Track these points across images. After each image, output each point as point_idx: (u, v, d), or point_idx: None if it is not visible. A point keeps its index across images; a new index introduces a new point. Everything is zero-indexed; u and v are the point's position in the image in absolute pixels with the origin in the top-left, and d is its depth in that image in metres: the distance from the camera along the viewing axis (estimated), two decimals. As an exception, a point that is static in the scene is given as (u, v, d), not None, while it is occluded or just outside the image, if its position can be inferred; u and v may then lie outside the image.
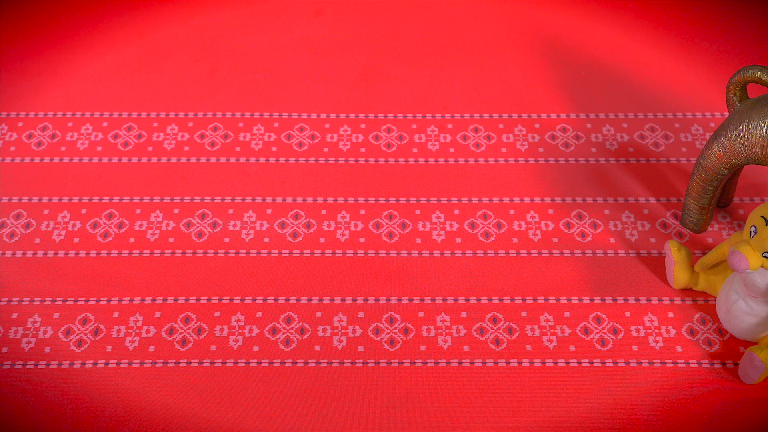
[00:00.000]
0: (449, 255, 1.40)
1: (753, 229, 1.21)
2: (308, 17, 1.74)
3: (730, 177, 1.41)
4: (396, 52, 1.68)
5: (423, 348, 1.30)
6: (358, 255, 1.40)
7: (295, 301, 1.35)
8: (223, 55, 1.67)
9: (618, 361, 1.30)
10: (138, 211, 1.45)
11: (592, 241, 1.42)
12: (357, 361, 1.29)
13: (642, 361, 1.30)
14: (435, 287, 1.37)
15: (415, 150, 1.53)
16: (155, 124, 1.57)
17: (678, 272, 1.33)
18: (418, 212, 1.45)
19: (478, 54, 1.68)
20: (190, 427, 1.23)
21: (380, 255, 1.40)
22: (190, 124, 1.57)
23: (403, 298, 1.36)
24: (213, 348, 1.30)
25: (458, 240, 1.42)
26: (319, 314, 1.34)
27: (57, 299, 1.35)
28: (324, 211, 1.45)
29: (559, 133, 1.56)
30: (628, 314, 1.34)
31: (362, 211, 1.45)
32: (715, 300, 1.35)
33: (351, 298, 1.36)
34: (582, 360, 1.30)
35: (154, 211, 1.45)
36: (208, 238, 1.42)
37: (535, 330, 1.33)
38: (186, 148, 1.53)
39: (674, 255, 1.32)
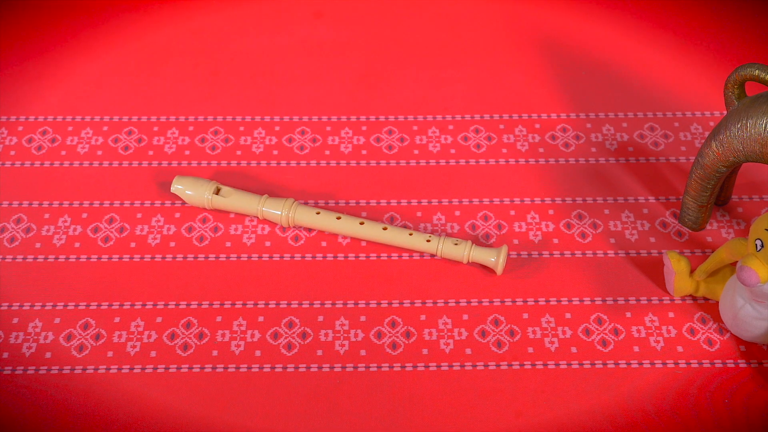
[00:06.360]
0: (450, 257, 1.41)
1: (759, 242, 1.20)
2: (308, 19, 1.74)
3: (728, 175, 1.41)
4: (396, 54, 1.68)
5: (425, 351, 1.31)
6: (360, 258, 1.40)
7: (296, 306, 1.35)
8: (223, 58, 1.67)
9: (619, 362, 1.30)
10: (139, 215, 1.45)
11: (593, 241, 1.42)
12: (359, 365, 1.29)
13: (643, 361, 1.30)
14: (436, 290, 1.37)
15: (416, 152, 1.53)
16: (156, 128, 1.56)
17: (678, 282, 1.33)
18: (419, 214, 1.45)
19: (478, 55, 1.68)
20: (193, 433, 1.24)
21: (381, 258, 1.40)
22: (191, 128, 1.56)
23: (404, 301, 1.36)
24: (215, 353, 1.30)
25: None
26: (320, 318, 1.34)
27: (58, 304, 1.35)
28: (325, 214, 1.45)
29: (560, 133, 1.56)
30: (628, 314, 1.35)
31: (364, 214, 1.45)
32: (715, 301, 1.35)
33: (353, 301, 1.36)
34: (584, 361, 1.30)
35: (155, 215, 1.45)
36: (209, 243, 1.42)
37: (537, 332, 1.33)
38: (187, 152, 1.53)
39: (674, 266, 1.32)
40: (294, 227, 1.44)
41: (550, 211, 1.46)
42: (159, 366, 1.29)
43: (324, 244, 1.42)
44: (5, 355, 1.30)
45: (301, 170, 1.51)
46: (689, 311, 1.35)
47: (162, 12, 1.75)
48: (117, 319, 1.34)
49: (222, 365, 1.29)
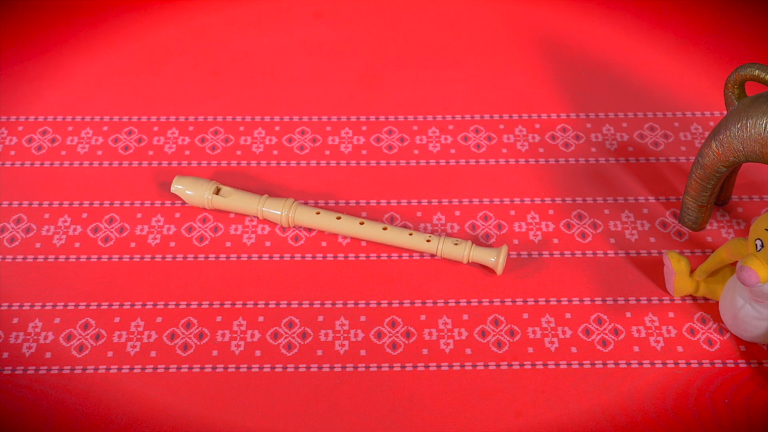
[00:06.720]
0: (450, 257, 1.41)
1: (759, 242, 1.20)
2: (308, 19, 1.74)
3: (728, 175, 1.41)
4: (396, 54, 1.68)
5: (425, 351, 1.31)
6: (360, 258, 1.40)
7: (296, 306, 1.35)
8: (223, 58, 1.67)
9: (619, 362, 1.30)
10: (139, 215, 1.45)
11: (593, 241, 1.42)
12: (359, 365, 1.29)
13: (643, 361, 1.30)
14: (436, 290, 1.37)
15: (416, 152, 1.53)
16: (156, 128, 1.56)
17: (678, 282, 1.33)
18: (419, 214, 1.45)
19: (478, 55, 1.68)
20: (193, 433, 1.24)
21: (381, 258, 1.40)
22: (191, 128, 1.56)
23: (404, 301, 1.36)
24: (214, 353, 1.30)
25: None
26: (320, 318, 1.34)
27: (58, 304, 1.35)
28: (325, 214, 1.45)
29: (560, 133, 1.56)
30: (628, 314, 1.34)
31: (364, 214, 1.45)
32: (715, 301, 1.35)
33: (353, 301, 1.36)
34: (584, 361, 1.30)
35: (155, 215, 1.45)
36: (209, 243, 1.42)
37: (537, 332, 1.33)
38: (187, 152, 1.53)
39: (674, 266, 1.32)
40: (294, 227, 1.44)
41: (550, 211, 1.46)
42: (159, 366, 1.29)
43: (324, 244, 1.42)
44: (5, 355, 1.30)
45: (301, 170, 1.51)
46: (689, 311, 1.35)
47: (162, 12, 1.75)
48: (117, 319, 1.34)
49: (222, 365, 1.29)
